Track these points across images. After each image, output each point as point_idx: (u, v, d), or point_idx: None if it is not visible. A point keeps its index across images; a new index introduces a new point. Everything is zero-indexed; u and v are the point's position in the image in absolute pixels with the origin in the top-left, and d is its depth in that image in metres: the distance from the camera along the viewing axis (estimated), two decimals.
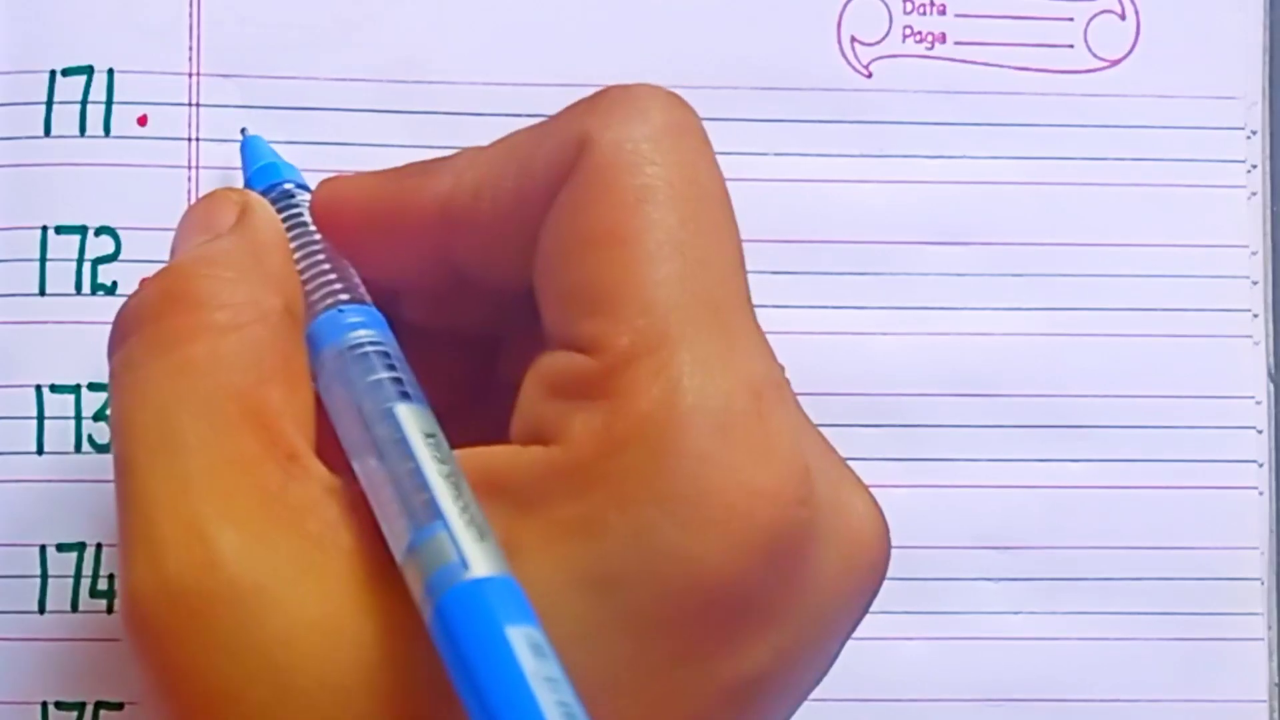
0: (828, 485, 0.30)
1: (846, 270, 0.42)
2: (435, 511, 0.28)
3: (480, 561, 0.27)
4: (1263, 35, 0.43)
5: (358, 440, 0.30)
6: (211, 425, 0.30)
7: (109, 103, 0.40)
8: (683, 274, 0.30)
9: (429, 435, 0.30)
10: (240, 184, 0.39)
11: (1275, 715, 0.42)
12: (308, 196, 0.36)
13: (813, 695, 0.40)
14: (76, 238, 0.40)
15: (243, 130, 0.40)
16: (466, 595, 0.27)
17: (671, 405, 0.29)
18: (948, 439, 0.42)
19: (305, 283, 0.34)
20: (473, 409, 0.33)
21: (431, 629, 0.27)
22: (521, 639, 0.26)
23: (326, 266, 0.34)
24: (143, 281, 0.33)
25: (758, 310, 0.40)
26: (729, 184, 0.41)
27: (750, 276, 0.41)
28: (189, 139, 0.40)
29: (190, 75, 0.41)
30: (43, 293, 0.40)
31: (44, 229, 0.40)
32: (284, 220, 0.35)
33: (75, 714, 0.39)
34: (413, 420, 0.30)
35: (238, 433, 0.30)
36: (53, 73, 0.40)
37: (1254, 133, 0.43)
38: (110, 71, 0.40)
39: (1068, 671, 0.42)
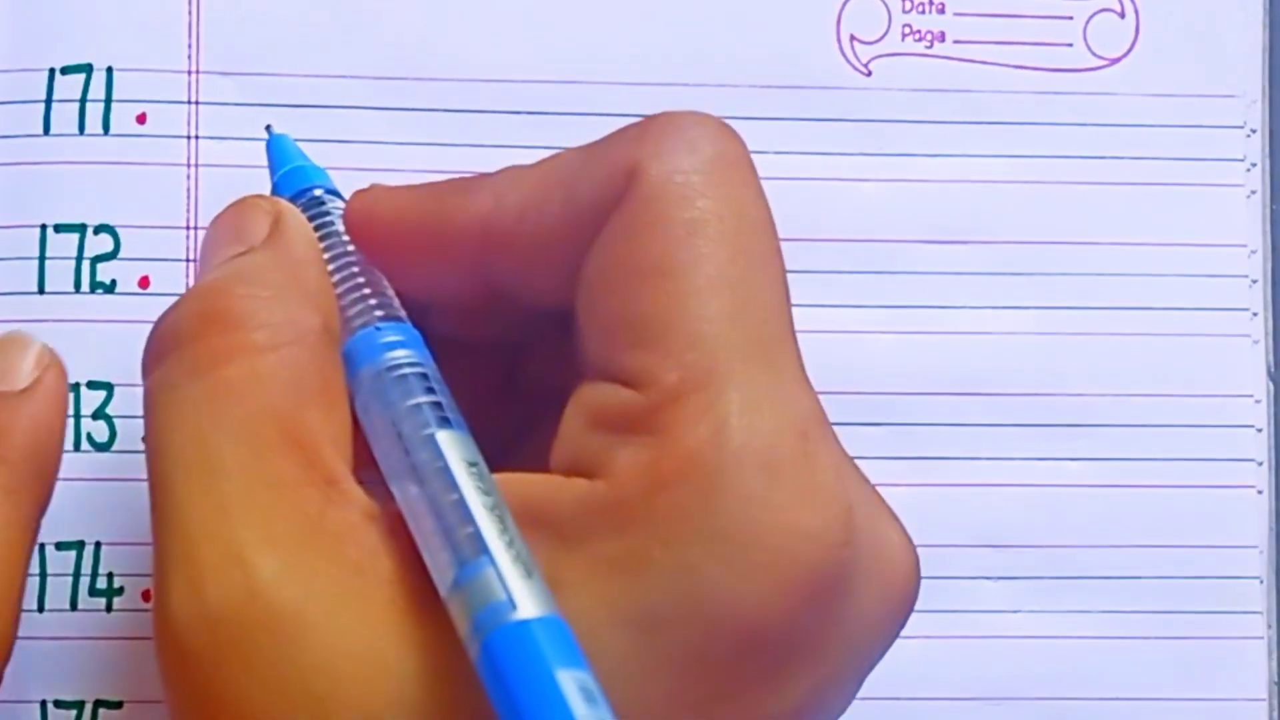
0: (866, 521, 0.30)
1: (846, 269, 0.42)
2: (481, 546, 0.28)
3: (528, 601, 0.27)
4: (1262, 34, 0.43)
5: (397, 465, 0.30)
6: (250, 449, 0.30)
7: (108, 101, 0.40)
8: (732, 310, 0.30)
9: (471, 464, 0.29)
10: (246, 183, 0.38)
11: (1275, 714, 0.42)
12: (339, 204, 0.35)
13: None
14: (75, 236, 0.40)
15: (268, 128, 0.39)
16: (515, 636, 0.27)
17: (720, 444, 0.28)
18: (947, 437, 0.42)
19: (340, 297, 0.33)
20: (491, 415, 0.33)
21: (479, 668, 0.27)
22: (572, 683, 0.26)
23: (361, 280, 0.33)
24: (179, 301, 0.32)
25: None
26: None
27: None
28: (188, 137, 0.40)
29: (189, 73, 0.40)
30: (42, 291, 0.40)
31: (43, 227, 0.40)
32: (322, 229, 0.34)
33: (74, 713, 0.39)
34: (454, 448, 0.30)
35: (276, 456, 0.30)
36: (52, 71, 0.40)
37: (1254, 131, 0.43)
38: (109, 69, 0.40)
39: (1067, 670, 0.42)
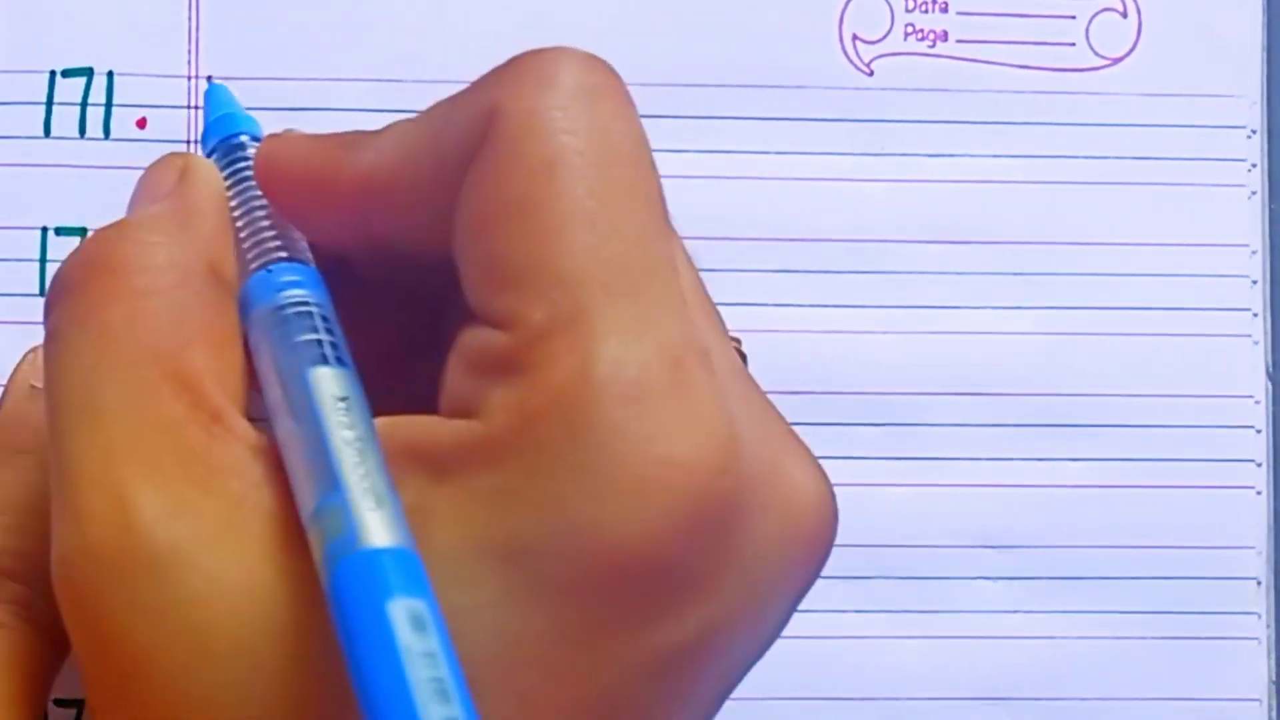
0: (763, 454, 0.30)
1: (847, 269, 0.42)
2: (334, 479, 0.28)
3: (376, 531, 0.27)
4: (1262, 34, 0.43)
5: (276, 402, 0.30)
6: (133, 390, 0.30)
7: (108, 105, 0.40)
8: (595, 244, 0.29)
9: (342, 399, 0.29)
10: None
11: (1272, 714, 0.42)
12: None
13: (810, 693, 0.41)
14: (76, 239, 0.40)
15: (209, 78, 0.40)
16: (355, 565, 0.27)
17: (584, 377, 0.28)
18: (948, 438, 0.42)
19: (243, 240, 0.33)
20: (423, 364, 0.32)
21: (327, 597, 0.27)
22: (402, 612, 0.26)
23: (266, 224, 0.33)
24: (70, 252, 0.33)
25: (755, 309, 0.41)
26: (730, 183, 0.41)
27: (749, 274, 0.41)
28: (188, 141, 0.40)
29: (189, 78, 0.41)
30: (43, 293, 0.39)
31: (44, 230, 0.40)
32: (231, 175, 0.34)
33: (75, 712, 0.39)
34: (327, 384, 0.30)
35: (159, 396, 0.30)
36: (52, 74, 0.40)
37: (1254, 132, 0.43)
38: (110, 74, 0.40)
39: (1067, 670, 0.42)
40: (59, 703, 0.39)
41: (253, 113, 0.40)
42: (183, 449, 0.29)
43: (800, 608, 0.40)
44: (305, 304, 0.31)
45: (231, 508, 0.29)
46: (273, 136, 0.35)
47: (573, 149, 0.30)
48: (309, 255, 0.33)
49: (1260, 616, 0.42)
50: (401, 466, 0.29)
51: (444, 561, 0.28)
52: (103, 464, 0.29)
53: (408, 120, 0.32)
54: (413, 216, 0.32)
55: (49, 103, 0.40)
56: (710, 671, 0.30)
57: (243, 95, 0.40)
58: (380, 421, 0.30)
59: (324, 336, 0.31)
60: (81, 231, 0.40)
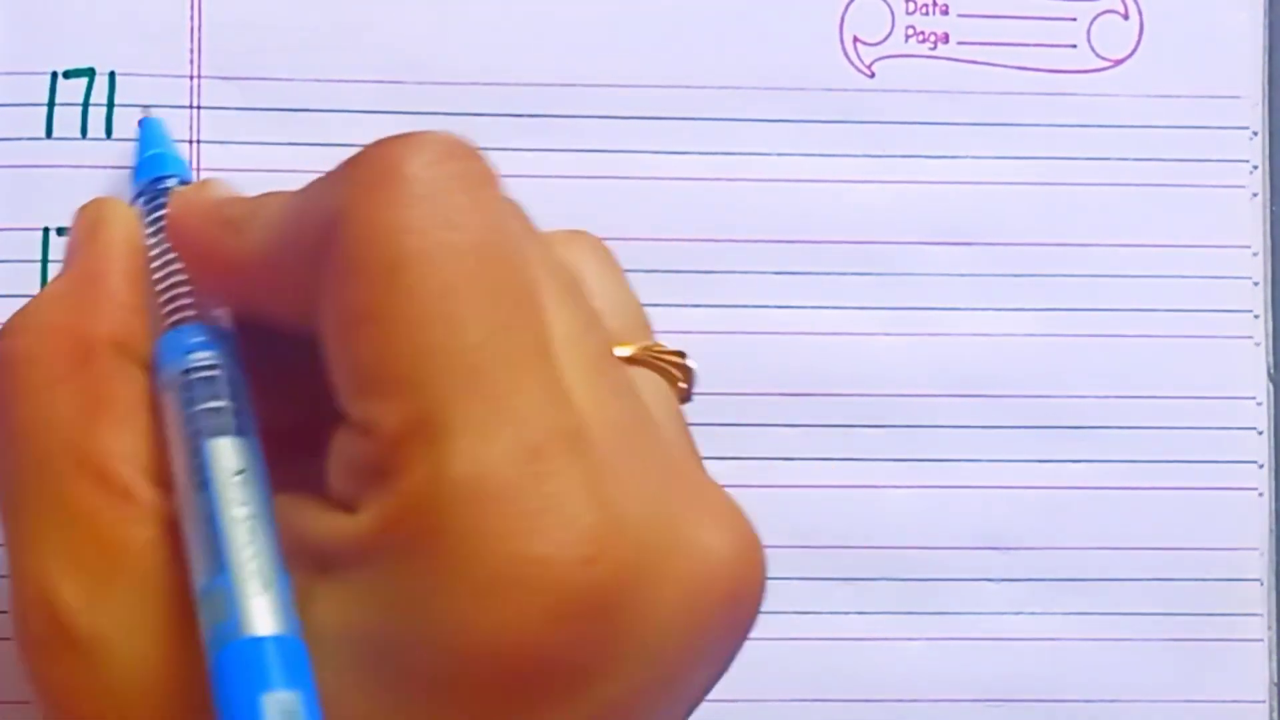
0: (657, 526, 0.29)
1: (848, 270, 0.42)
2: (221, 561, 0.28)
3: (260, 617, 0.28)
4: (1262, 35, 0.43)
5: (178, 473, 0.30)
6: (46, 484, 0.31)
7: (110, 105, 0.40)
8: (443, 342, 0.29)
9: (237, 472, 0.30)
10: (246, 187, 0.38)
11: (1275, 715, 0.42)
12: None
13: (812, 695, 0.41)
14: None
15: (145, 108, 0.40)
16: (234, 653, 0.27)
17: (434, 482, 0.28)
18: (949, 439, 0.42)
19: (160, 294, 0.33)
20: (332, 428, 0.32)
21: (210, 683, 0.28)
22: (275, 707, 0.26)
23: (180, 279, 0.33)
24: None
25: (757, 310, 0.41)
26: (731, 184, 0.41)
27: (752, 276, 0.41)
28: (190, 141, 0.40)
29: (191, 78, 0.41)
30: None
31: (45, 230, 0.40)
32: (152, 224, 0.35)
33: None
34: (224, 456, 0.30)
35: (72, 486, 0.31)
36: (54, 74, 0.40)
37: (1254, 134, 0.43)
38: (112, 74, 0.40)
39: (1068, 672, 0.42)
40: None
41: (253, 113, 0.40)
42: (96, 536, 0.30)
43: (801, 609, 0.40)
44: (211, 367, 0.31)
45: (143, 591, 0.30)
46: (179, 195, 0.34)
47: (414, 249, 0.29)
48: (221, 313, 0.33)
49: (1263, 618, 0.42)
50: (291, 551, 0.29)
51: (326, 651, 0.28)
52: (29, 557, 0.31)
53: (278, 205, 0.32)
54: (285, 303, 0.31)
55: (51, 103, 0.40)
56: None
57: (243, 96, 0.40)
58: (278, 499, 0.30)
59: (225, 403, 0.31)
60: None
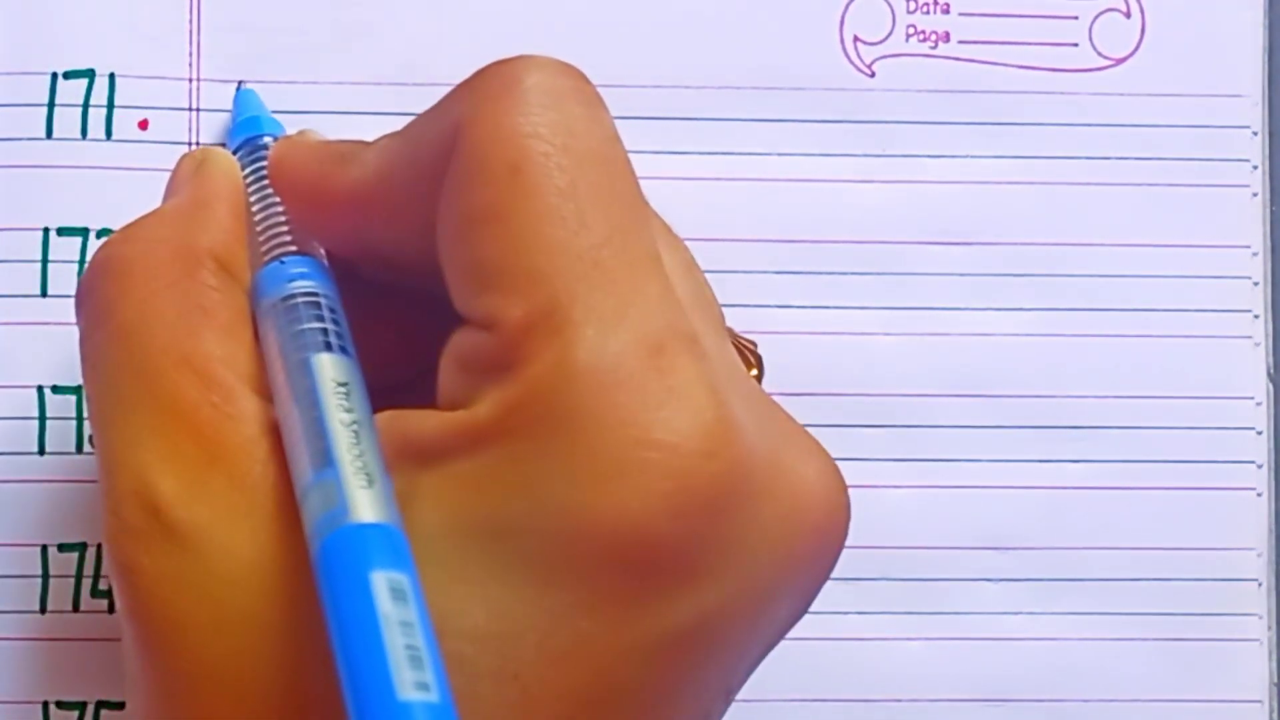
0: (765, 444, 0.30)
1: (849, 270, 0.42)
2: (329, 457, 0.29)
3: (364, 507, 0.28)
4: (1263, 35, 0.43)
5: (279, 386, 0.31)
6: (148, 381, 0.32)
7: (110, 106, 0.40)
8: (566, 239, 0.30)
9: (341, 384, 0.31)
10: None
11: (1273, 715, 0.42)
12: None
13: (812, 695, 0.41)
14: (78, 240, 0.40)
15: (240, 82, 0.40)
16: (342, 538, 0.28)
17: (561, 367, 0.29)
18: (948, 439, 0.42)
19: (259, 233, 0.35)
20: (421, 363, 0.33)
21: (314, 569, 0.28)
22: (383, 583, 0.27)
23: (280, 219, 0.35)
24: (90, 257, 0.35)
25: (758, 310, 0.41)
26: (732, 184, 0.41)
27: (752, 276, 0.41)
28: (190, 143, 0.40)
29: (191, 80, 0.41)
30: (44, 294, 0.40)
31: (45, 230, 0.40)
32: (251, 173, 0.36)
33: (76, 714, 0.39)
34: (327, 369, 0.31)
35: (172, 383, 0.32)
36: (54, 75, 0.40)
37: (1255, 134, 0.43)
38: (111, 75, 0.40)
39: (1067, 672, 0.42)
40: (61, 705, 0.39)
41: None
42: (196, 432, 0.31)
43: None
44: (313, 294, 0.33)
45: (242, 485, 0.31)
46: (284, 140, 0.36)
47: (537, 151, 0.30)
48: (320, 250, 0.34)
49: (1262, 618, 0.42)
50: (392, 454, 0.30)
51: (432, 542, 0.29)
52: (128, 451, 0.32)
53: (390, 135, 0.33)
54: (399, 228, 0.33)
55: (51, 104, 0.40)
56: (712, 659, 0.30)
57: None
58: (377, 413, 0.31)
59: (329, 325, 0.32)
60: (83, 232, 0.40)
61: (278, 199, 0.35)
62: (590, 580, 0.28)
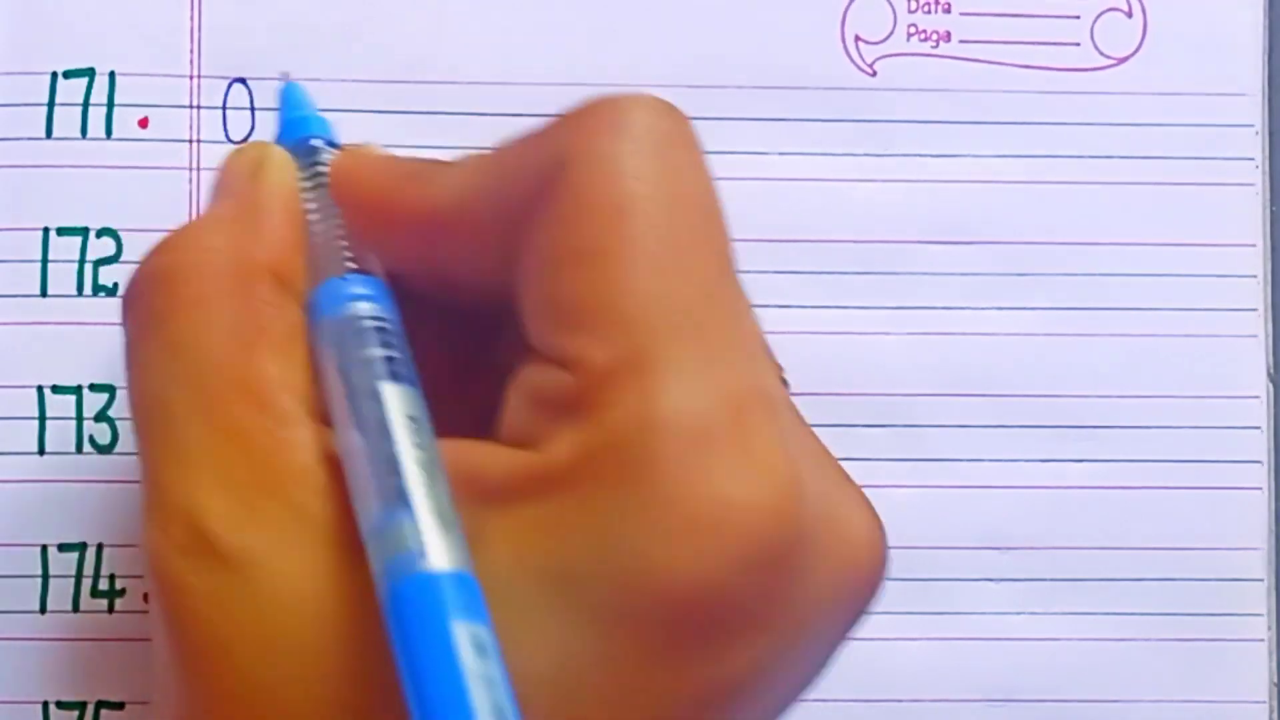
0: (822, 499, 0.30)
1: (850, 270, 0.42)
2: (403, 496, 0.28)
3: (440, 553, 0.28)
4: (1262, 35, 0.43)
5: (342, 413, 0.31)
6: (200, 398, 0.31)
7: (110, 105, 0.40)
8: (662, 290, 0.30)
9: (411, 418, 0.30)
10: None
11: (1275, 716, 0.42)
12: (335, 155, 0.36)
13: (814, 695, 0.41)
14: (78, 239, 0.40)
15: (284, 74, 0.39)
16: (420, 585, 0.27)
17: (645, 418, 0.29)
18: (950, 439, 0.42)
19: (317, 244, 0.34)
20: (472, 383, 0.33)
21: (384, 611, 0.28)
22: (466, 635, 0.27)
23: (340, 232, 0.34)
24: (140, 261, 0.34)
25: (761, 310, 0.41)
26: (733, 184, 0.41)
27: (753, 276, 0.41)
28: (190, 141, 0.40)
29: (191, 78, 0.41)
30: (44, 294, 0.40)
31: (45, 230, 0.40)
32: (309, 178, 0.35)
33: (76, 714, 0.39)
34: (397, 401, 0.30)
35: (226, 403, 0.31)
36: (54, 74, 0.40)
37: (1257, 132, 0.43)
38: (112, 74, 0.40)
39: (1069, 672, 0.42)
40: (61, 705, 0.39)
41: (255, 113, 0.40)
42: (249, 456, 0.31)
43: None
44: (377, 318, 0.32)
45: (297, 514, 0.30)
46: (349, 151, 0.35)
47: (643, 195, 0.30)
48: (379, 269, 0.33)
49: (1264, 617, 0.42)
50: (459, 490, 0.29)
51: (496, 584, 0.28)
52: (178, 470, 0.31)
53: (478, 157, 0.33)
54: (474, 252, 0.32)
55: (51, 103, 0.40)
56: (759, 704, 0.30)
57: (244, 95, 0.40)
58: (440, 444, 0.30)
59: (396, 354, 0.31)
60: (83, 232, 0.40)
61: (337, 210, 0.34)
62: (654, 631, 0.28)
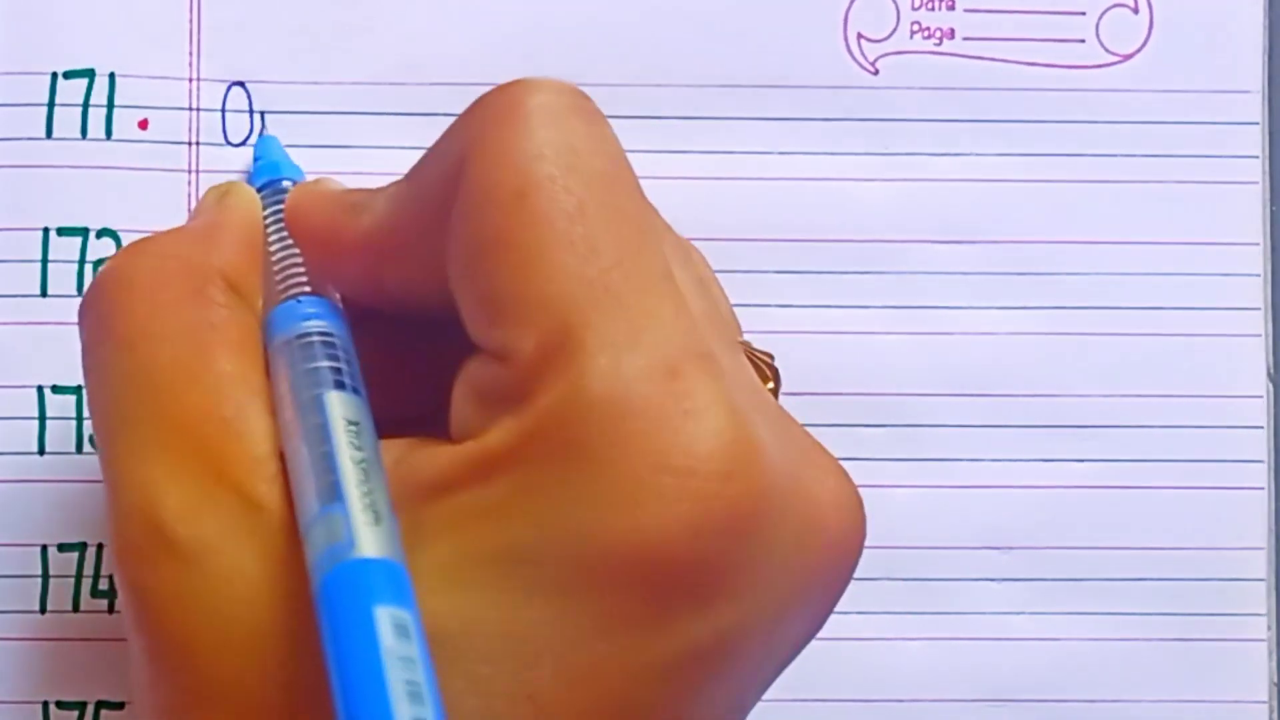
0: (782, 462, 0.30)
1: (852, 269, 0.42)
2: (337, 493, 0.29)
3: (369, 543, 0.28)
4: (1262, 35, 0.43)
5: (289, 424, 0.31)
6: (154, 394, 0.32)
7: (110, 106, 0.40)
8: (576, 264, 0.29)
9: (351, 423, 0.30)
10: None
11: (1275, 716, 0.42)
12: None
13: (813, 695, 0.41)
14: (78, 239, 0.40)
15: (262, 129, 0.40)
16: (346, 572, 0.28)
17: (576, 396, 0.29)
18: (952, 439, 0.42)
19: (275, 273, 0.35)
20: (430, 395, 0.33)
21: (315, 602, 0.28)
22: (386, 618, 0.27)
23: (297, 260, 0.35)
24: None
25: (761, 310, 0.41)
26: (733, 184, 0.41)
27: (755, 275, 0.41)
28: (189, 143, 0.40)
29: (190, 80, 0.41)
30: (44, 294, 0.40)
31: (45, 230, 0.40)
32: (271, 215, 0.36)
33: (76, 714, 0.39)
34: (339, 407, 0.31)
35: (179, 396, 0.32)
36: (54, 75, 0.40)
37: (1260, 131, 0.43)
38: (112, 75, 0.40)
39: (1069, 672, 0.42)
40: (61, 705, 0.39)
41: (254, 115, 0.40)
42: (203, 447, 0.31)
43: None
44: (326, 334, 0.33)
45: (249, 502, 0.31)
46: (300, 188, 0.36)
47: (543, 175, 0.30)
48: (334, 292, 0.35)
49: (1264, 618, 0.42)
50: (400, 492, 0.30)
51: (444, 569, 0.29)
52: (133, 464, 0.31)
53: (399, 181, 0.33)
54: (411, 269, 0.33)
55: (51, 104, 0.40)
56: (728, 678, 0.30)
57: (243, 98, 0.40)
58: (390, 444, 0.31)
59: (341, 365, 0.32)
60: (83, 232, 0.40)
61: (292, 244, 0.35)
62: (608, 602, 0.28)
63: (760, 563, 0.29)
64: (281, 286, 0.34)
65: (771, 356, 0.35)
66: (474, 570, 0.29)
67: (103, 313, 0.33)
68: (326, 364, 0.32)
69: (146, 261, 0.34)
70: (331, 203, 0.34)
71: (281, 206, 0.36)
